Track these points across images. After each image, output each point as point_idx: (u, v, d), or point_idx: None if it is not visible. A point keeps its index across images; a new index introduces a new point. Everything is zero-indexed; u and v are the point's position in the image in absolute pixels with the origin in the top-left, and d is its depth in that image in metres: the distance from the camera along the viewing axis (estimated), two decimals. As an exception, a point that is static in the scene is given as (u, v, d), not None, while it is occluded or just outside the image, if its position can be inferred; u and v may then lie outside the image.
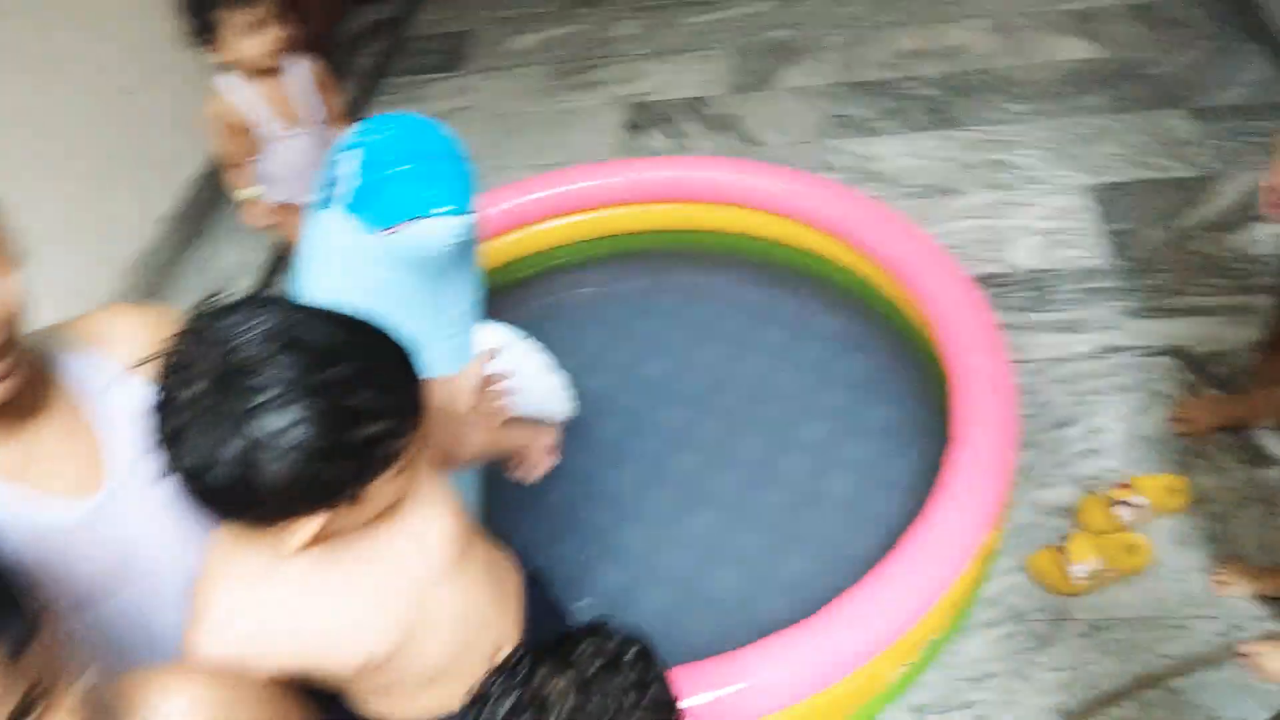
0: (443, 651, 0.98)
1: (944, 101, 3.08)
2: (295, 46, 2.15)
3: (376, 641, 0.92)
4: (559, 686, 0.81)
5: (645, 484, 2.04)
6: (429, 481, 0.97)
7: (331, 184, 1.41)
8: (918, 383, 2.10)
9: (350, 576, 0.91)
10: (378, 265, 1.35)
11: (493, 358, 1.31)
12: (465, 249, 1.38)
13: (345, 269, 1.37)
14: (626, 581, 1.88)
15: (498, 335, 1.68)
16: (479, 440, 1.21)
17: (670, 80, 3.45)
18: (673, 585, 1.88)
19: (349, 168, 1.38)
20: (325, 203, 1.42)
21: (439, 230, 1.30)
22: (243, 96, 2.09)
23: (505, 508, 1.59)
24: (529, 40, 3.86)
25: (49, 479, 0.87)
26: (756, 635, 1.72)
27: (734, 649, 1.66)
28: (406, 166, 1.31)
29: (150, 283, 2.70)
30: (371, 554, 0.91)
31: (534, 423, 1.37)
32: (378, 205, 1.31)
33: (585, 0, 4.05)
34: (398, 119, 1.39)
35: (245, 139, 2.13)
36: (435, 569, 0.96)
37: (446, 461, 1.11)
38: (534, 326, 2.39)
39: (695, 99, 3.32)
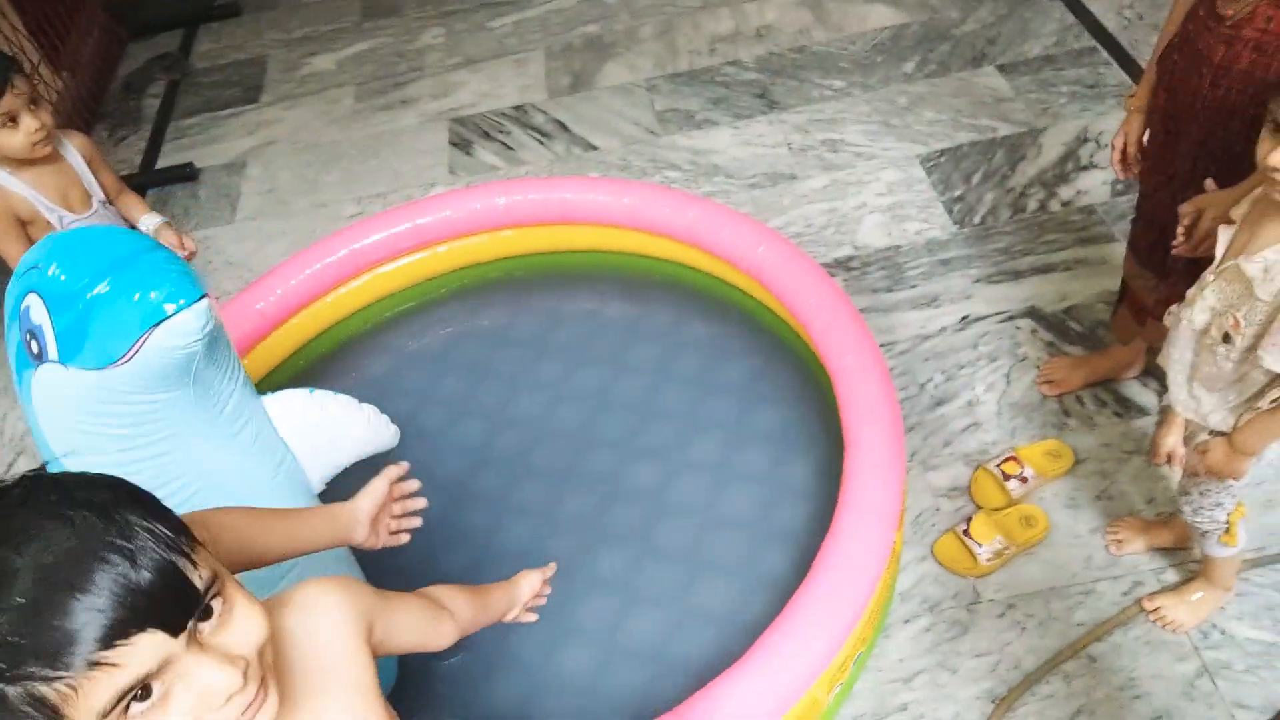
0: None
1: (766, 84, 3.07)
2: (62, 125, 1.91)
3: None
4: None
5: (539, 535, 1.93)
6: (365, 699, 0.86)
7: (24, 343, 1.24)
8: (798, 382, 2.07)
9: None
10: (127, 397, 1.23)
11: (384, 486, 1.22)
12: (215, 332, 1.25)
13: (92, 417, 1.25)
14: (542, 640, 1.77)
15: (286, 401, 1.53)
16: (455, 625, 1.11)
17: (487, 90, 3.30)
18: (590, 638, 1.79)
19: (37, 318, 1.21)
20: (30, 364, 1.25)
21: (182, 328, 1.16)
22: (17, 187, 1.83)
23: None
24: (327, 61, 3.62)
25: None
26: (685, 679, 1.67)
27: (666, 698, 1.61)
28: (103, 285, 1.15)
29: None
30: None
31: (506, 583, 1.29)
32: (96, 340, 1.17)
33: (379, 11, 3.83)
34: (48, 245, 1.23)
35: (28, 231, 1.86)
36: None
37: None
38: (391, 376, 2.27)
39: (517, 108, 3.19)
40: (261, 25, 3.90)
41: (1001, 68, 2.94)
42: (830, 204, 2.63)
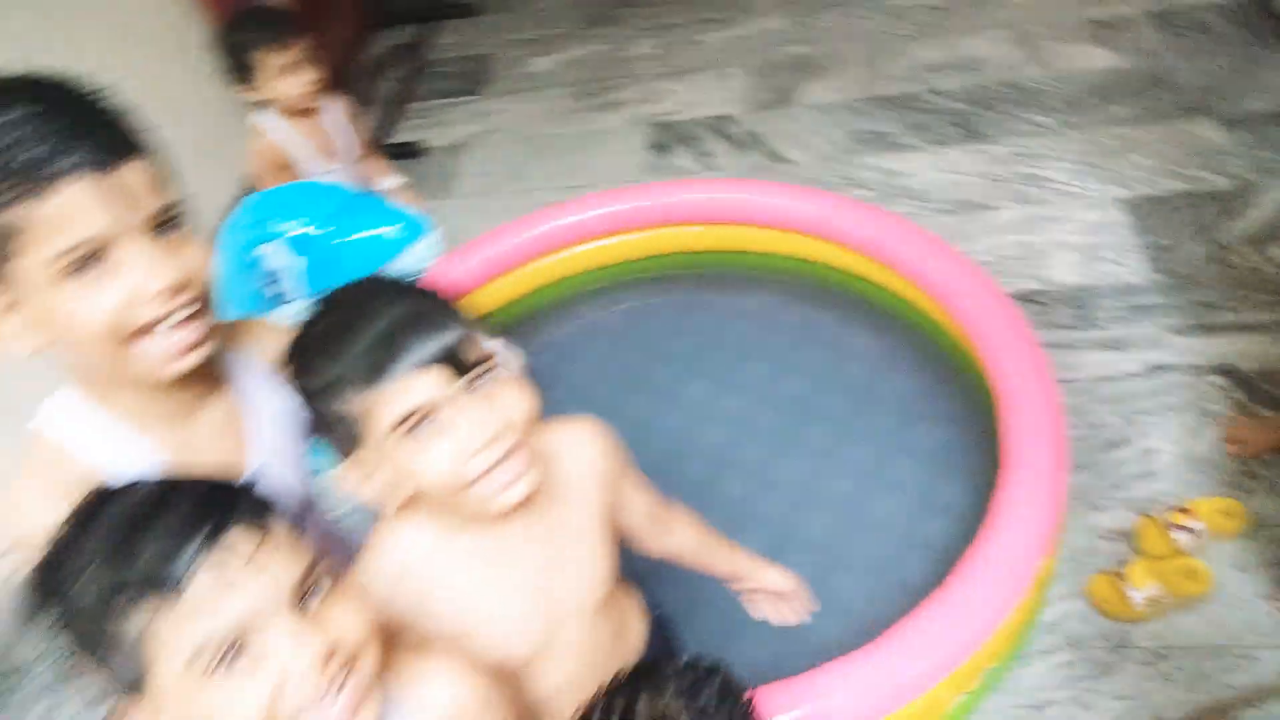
0: (562, 681, 1.03)
1: (969, 115, 3.06)
2: (328, 85, 2.16)
3: (518, 643, 0.99)
4: (656, 708, 0.83)
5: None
6: (599, 528, 1.04)
7: (261, 288, 1.39)
8: (963, 403, 2.07)
9: (510, 576, 0.98)
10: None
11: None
12: None
13: None
14: (678, 604, 1.85)
15: None
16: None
17: (691, 99, 3.44)
18: (722, 609, 1.85)
19: (276, 262, 1.36)
20: (266, 305, 1.40)
21: (419, 255, 1.30)
22: (283, 134, 2.09)
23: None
24: (548, 62, 3.86)
25: (199, 462, 0.92)
26: (810, 660, 1.71)
27: (790, 674, 1.65)
28: (343, 225, 1.30)
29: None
30: (534, 568, 0.99)
31: (748, 553, 1.38)
32: (342, 273, 1.30)
33: (601, 20, 4.05)
34: (275, 198, 1.38)
35: (286, 175, 2.12)
36: (583, 604, 1.03)
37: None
38: (574, 345, 2.41)
39: (718, 118, 3.31)
40: (495, 24, 4.19)
41: (1221, 120, 2.82)
42: (1022, 237, 2.60)
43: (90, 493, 0.71)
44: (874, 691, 1.48)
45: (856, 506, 1.98)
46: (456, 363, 0.84)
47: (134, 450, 0.91)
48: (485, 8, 4.31)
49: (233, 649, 0.67)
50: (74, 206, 0.78)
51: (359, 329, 0.83)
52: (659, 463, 2.11)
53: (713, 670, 0.88)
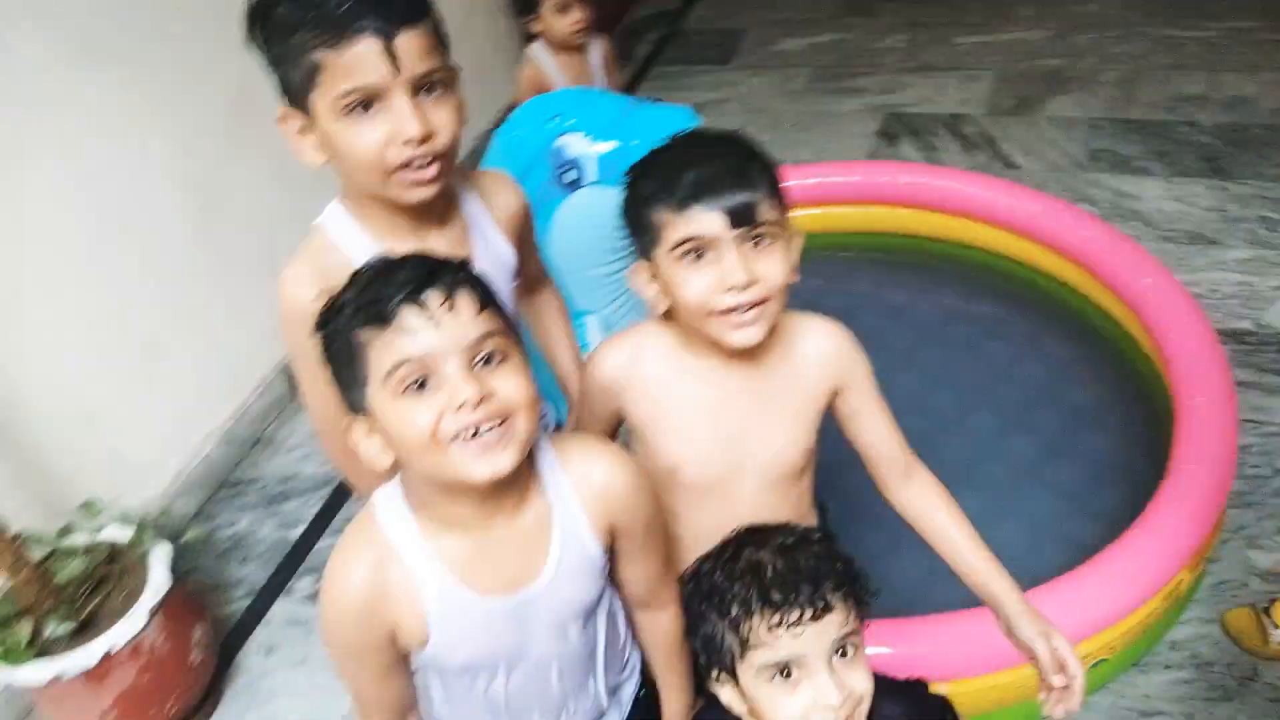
0: (720, 530, 1.08)
1: (1219, 150, 2.95)
2: (594, 27, 2.41)
3: (693, 468, 1.15)
4: (764, 556, 0.94)
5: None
6: (807, 411, 1.18)
7: (557, 176, 1.57)
8: (1137, 418, 2.06)
9: (713, 411, 1.14)
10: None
11: None
12: None
13: (606, 230, 1.51)
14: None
15: None
16: None
17: (930, 95, 3.47)
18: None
19: (575, 152, 1.53)
20: (560, 194, 1.57)
21: None
22: (550, 65, 2.35)
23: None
24: (797, 43, 3.98)
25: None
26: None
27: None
28: (632, 118, 1.44)
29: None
30: (736, 416, 1.14)
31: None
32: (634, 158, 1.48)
33: (859, 10, 4.13)
34: (562, 100, 1.53)
35: (548, 98, 2.39)
36: (766, 467, 1.17)
37: None
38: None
39: (954, 115, 3.34)
40: (753, 4, 4.35)
41: None
42: (1246, 277, 2.51)
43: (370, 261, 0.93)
44: (981, 647, 1.54)
45: (1008, 496, 2.01)
46: (743, 216, 1.00)
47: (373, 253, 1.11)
48: (748, -14, 4.48)
49: (416, 378, 0.86)
50: (362, 59, 0.97)
51: (689, 163, 1.03)
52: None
53: (817, 539, 0.99)
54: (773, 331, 1.09)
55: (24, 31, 1.88)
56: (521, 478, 0.95)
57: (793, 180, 2.47)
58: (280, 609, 2.10)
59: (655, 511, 1.07)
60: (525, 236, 1.28)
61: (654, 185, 1.04)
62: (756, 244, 1.02)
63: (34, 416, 1.95)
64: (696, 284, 1.03)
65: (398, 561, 0.95)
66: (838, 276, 2.61)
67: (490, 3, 3.41)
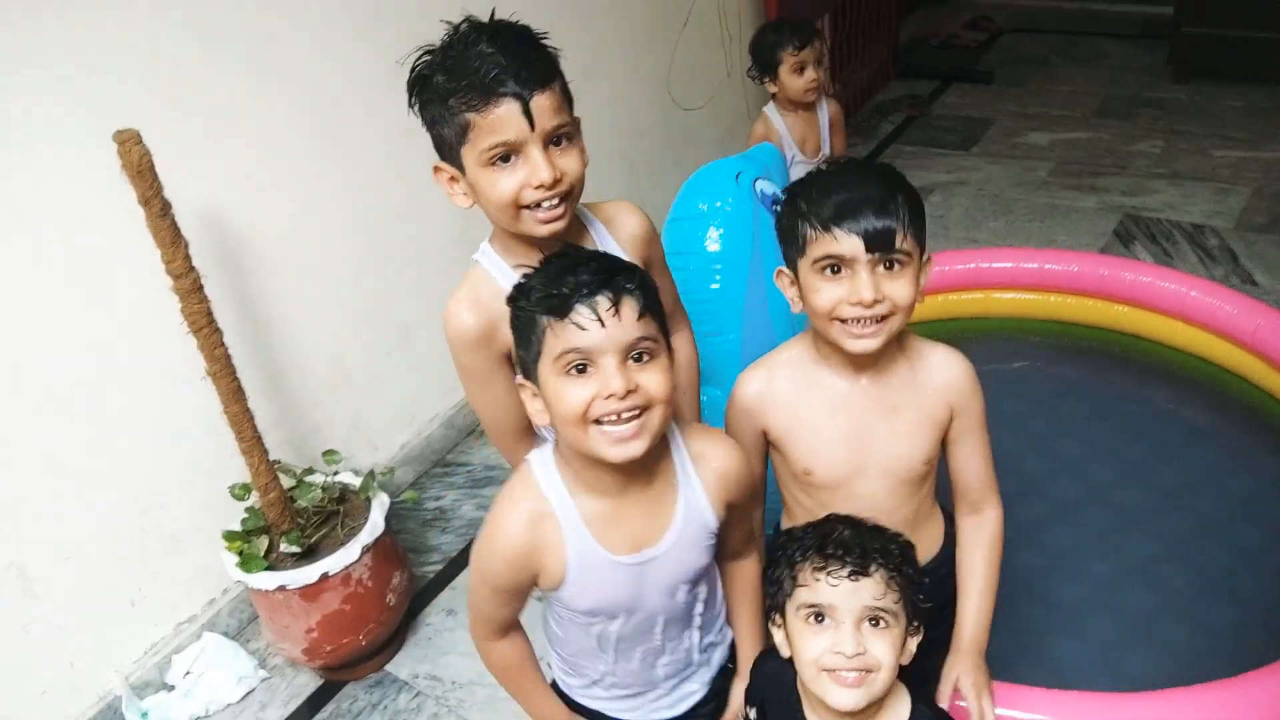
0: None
1: None
2: (826, 91, 2.57)
3: (820, 468, 1.30)
4: (841, 527, 1.11)
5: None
6: (924, 426, 1.30)
7: (769, 209, 1.81)
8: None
9: (838, 416, 1.28)
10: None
11: None
12: None
13: None
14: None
15: None
16: None
17: (1177, 202, 3.38)
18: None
19: (770, 189, 1.79)
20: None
21: None
22: (779, 123, 2.54)
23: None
24: (1043, 138, 3.97)
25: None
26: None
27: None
28: None
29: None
30: (859, 421, 1.27)
31: None
32: None
33: (1113, 112, 4.07)
34: (758, 155, 1.77)
35: (762, 152, 2.57)
36: (887, 469, 1.30)
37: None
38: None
39: (1198, 226, 3.23)
40: (1004, 96, 4.38)
41: None
42: None
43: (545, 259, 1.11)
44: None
45: (1156, 573, 1.99)
46: (880, 242, 1.14)
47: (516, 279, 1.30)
48: (1004, 80, 4.51)
49: (579, 364, 1.03)
50: (504, 119, 1.15)
51: (840, 188, 1.17)
52: (1007, 491, 2.23)
53: (893, 535, 1.12)
54: (900, 349, 1.23)
55: (349, 45, 2.26)
56: (654, 455, 1.11)
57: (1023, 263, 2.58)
58: (465, 579, 2.33)
59: (753, 489, 1.28)
60: (652, 256, 1.43)
61: (806, 204, 1.18)
62: (889, 267, 1.16)
63: (302, 373, 2.30)
64: (828, 294, 1.17)
65: (550, 516, 1.13)
66: (1049, 365, 2.63)
67: (741, 74, 3.66)
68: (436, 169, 1.28)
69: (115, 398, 1.96)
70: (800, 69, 2.46)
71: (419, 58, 1.22)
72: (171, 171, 1.73)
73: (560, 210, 1.23)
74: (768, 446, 1.36)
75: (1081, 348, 2.62)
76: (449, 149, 1.23)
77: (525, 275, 1.09)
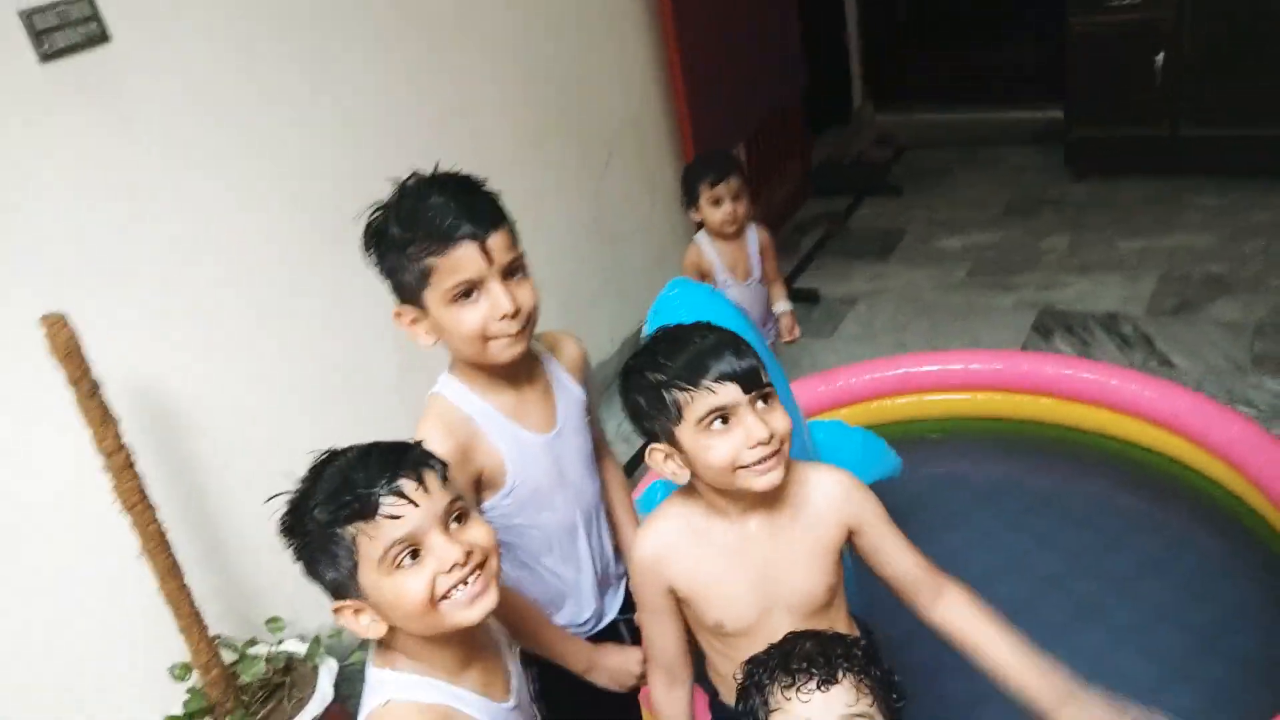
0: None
1: (1401, 359, 2.86)
2: (752, 218, 2.67)
3: (733, 616, 1.28)
4: (809, 648, 1.09)
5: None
6: (821, 552, 1.30)
7: None
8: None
9: (740, 565, 1.27)
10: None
11: None
12: None
13: None
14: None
15: None
16: None
17: (1089, 292, 3.54)
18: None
19: None
20: None
21: None
22: (709, 250, 2.62)
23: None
24: (957, 242, 4.15)
25: (528, 418, 1.39)
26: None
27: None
28: None
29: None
30: (760, 562, 1.27)
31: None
32: None
33: (1020, 212, 4.28)
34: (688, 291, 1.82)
35: (706, 282, 2.65)
36: (791, 604, 1.29)
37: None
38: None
39: (1112, 314, 3.37)
40: (914, 205, 4.59)
41: None
42: None
43: (320, 457, 1.09)
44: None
45: (1111, 661, 1.99)
46: (750, 382, 1.18)
47: (485, 408, 1.36)
48: (912, 190, 4.73)
49: (406, 550, 1.02)
50: (464, 259, 1.23)
51: (683, 348, 1.21)
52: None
53: (850, 639, 1.11)
54: (785, 481, 1.23)
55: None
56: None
57: (948, 365, 2.64)
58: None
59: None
60: (587, 380, 1.52)
61: (662, 374, 1.20)
62: (765, 401, 1.20)
63: (241, 538, 2.25)
64: (724, 447, 1.18)
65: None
66: (984, 459, 2.67)
67: (672, 199, 3.80)
68: (397, 314, 1.33)
69: (47, 579, 1.89)
70: (716, 202, 2.56)
71: (372, 213, 1.29)
72: (101, 350, 1.72)
73: (520, 337, 1.31)
74: (678, 603, 1.35)
75: (1014, 444, 2.68)
76: (410, 293, 1.29)
77: (292, 501, 1.08)
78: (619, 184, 3.55)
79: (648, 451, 1.28)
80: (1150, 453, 2.47)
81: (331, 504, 1.03)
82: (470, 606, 1.06)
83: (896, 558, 1.35)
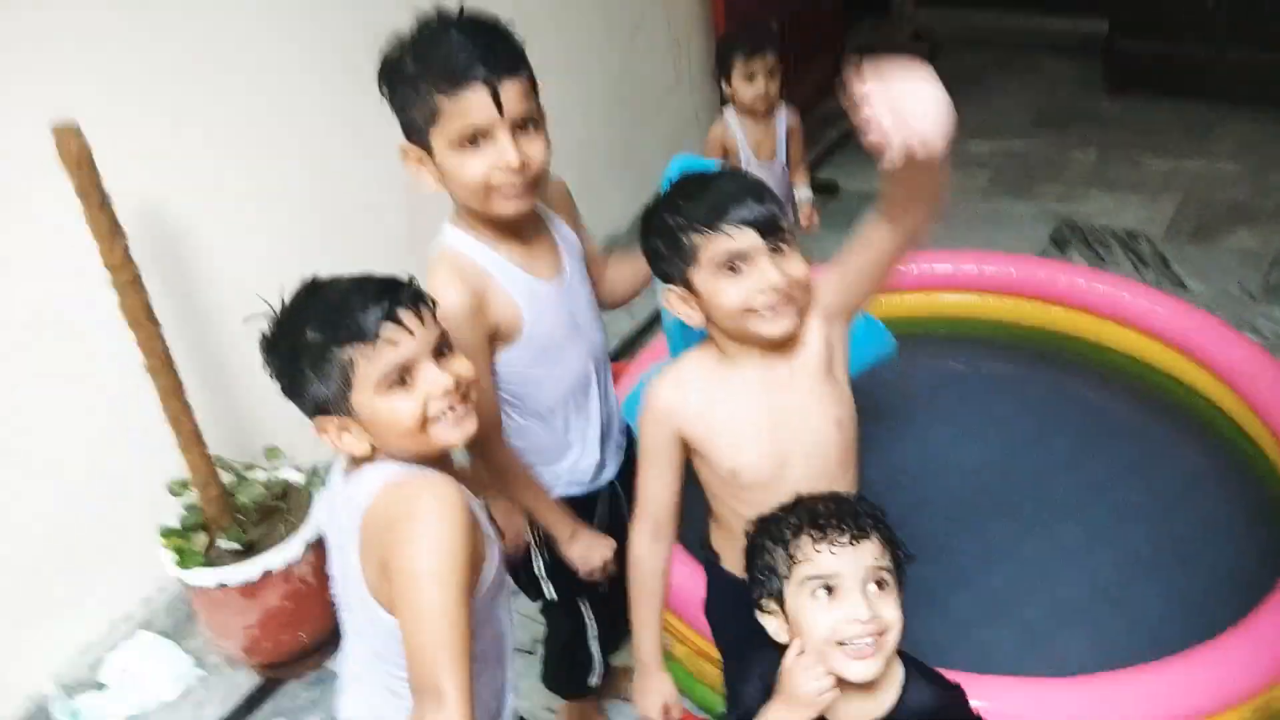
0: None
1: None
2: (782, 99, 2.60)
3: (747, 465, 1.27)
4: (815, 500, 1.12)
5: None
6: (834, 380, 1.28)
7: None
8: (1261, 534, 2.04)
9: (759, 413, 1.26)
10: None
11: None
12: None
13: None
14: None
15: None
16: None
17: (1110, 209, 3.49)
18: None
19: None
20: None
21: None
22: (736, 129, 2.57)
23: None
24: (982, 147, 4.07)
25: (538, 267, 1.39)
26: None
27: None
28: None
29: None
30: (786, 415, 1.26)
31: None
32: None
33: (1050, 123, 4.19)
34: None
35: (729, 160, 2.61)
36: (809, 451, 1.28)
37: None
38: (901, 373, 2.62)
39: (1131, 233, 3.34)
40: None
41: None
42: None
43: (305, 282, 1.11)
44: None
45: (1086, 561, 2.06)
46: (768, 228, 1.17)
47: (496, 258, 1.35)
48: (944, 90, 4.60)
49: (401, 378, 1.06)
50: (473, 103, 1.19)
51: (705, 192, 1.20)
52: (943, 482, 2.28)
53: (859, 497, 1.15)
54: (800, 330, 1.23)
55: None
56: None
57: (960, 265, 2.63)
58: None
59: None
60: (576, 218, 1.51)
61: (681, 216, 1.20)
62: (780, 250, 1.18)
63: (245, 368, 2.26)
64: (736, 291, 1.18)
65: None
66: (987, 362, 2.69)
67: (700, 72, 3.70)
68: (404, 151, 1.30)
69: (50, 390, 1.92)
70: (750, 77, 2.49)
71: (390, 45, 1.25)
72: (112, 165, 1.71)
73: (525, 193, 1.28)
74: (686, 458, 1.35)
75: (1018, 347, 2.69)
76: (417, 131, 1.26)
77: (281, 315, 1.10)
78: (644, 57, 3.45)
79: (662, 293, 1.27)
80: (1147, 366, 2.49)
81: (329, 326, 1.05)
82: (456, 427, 1.11)
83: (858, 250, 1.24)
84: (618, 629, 1.68)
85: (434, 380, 1.07)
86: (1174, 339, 2.40)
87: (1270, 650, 1.60)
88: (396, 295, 1.07)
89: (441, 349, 1.10)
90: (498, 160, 1.23)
